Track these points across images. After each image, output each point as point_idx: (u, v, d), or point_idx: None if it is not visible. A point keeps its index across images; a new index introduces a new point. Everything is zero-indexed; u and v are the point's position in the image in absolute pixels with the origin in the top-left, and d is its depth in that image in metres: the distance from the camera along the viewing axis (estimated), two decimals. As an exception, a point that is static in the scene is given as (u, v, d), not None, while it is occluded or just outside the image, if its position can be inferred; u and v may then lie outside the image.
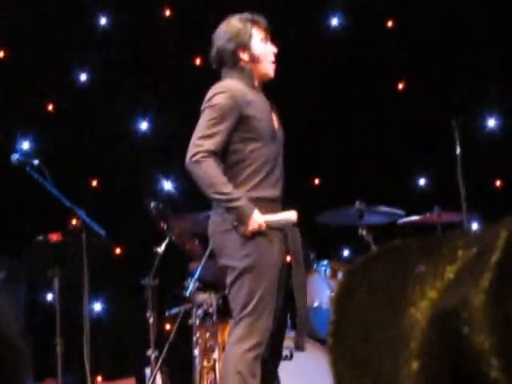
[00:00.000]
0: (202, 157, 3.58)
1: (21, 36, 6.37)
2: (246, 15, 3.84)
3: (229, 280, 3.69)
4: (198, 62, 6.55)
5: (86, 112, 6.49)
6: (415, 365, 1.70)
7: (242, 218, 3.57)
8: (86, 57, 6.51)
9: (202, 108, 3.72)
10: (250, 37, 3.78)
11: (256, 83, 3.81)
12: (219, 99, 3.67)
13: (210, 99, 3.70)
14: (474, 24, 6.43)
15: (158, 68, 6.59)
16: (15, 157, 4.40)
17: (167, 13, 6.66)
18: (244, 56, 3.78)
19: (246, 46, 3.77)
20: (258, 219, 3.57)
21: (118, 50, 6.57)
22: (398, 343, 1.74)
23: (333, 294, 4.39)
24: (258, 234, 3.61)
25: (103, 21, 6.55)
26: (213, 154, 3.60)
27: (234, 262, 3.63)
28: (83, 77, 6.50)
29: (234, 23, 3.81)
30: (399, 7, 6.60)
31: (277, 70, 3.87)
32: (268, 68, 3.83)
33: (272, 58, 3.84)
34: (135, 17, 6.60)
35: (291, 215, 3.64)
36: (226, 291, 3.77)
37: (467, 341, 1.55)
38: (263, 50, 3.81)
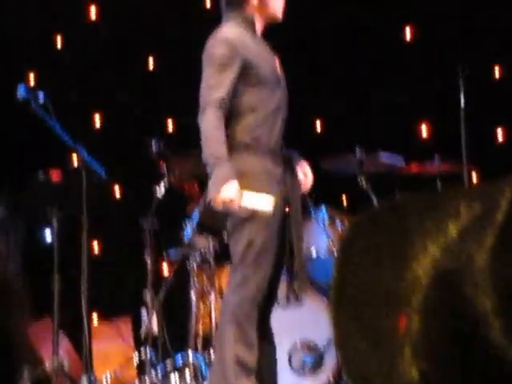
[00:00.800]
0: (208, 110, 3.58)
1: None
2: None
3: (229, 228, 3.68)
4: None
5: (92, 49, 6.42)
6: (415, 321, 1.69)
7: (217, 183, 3.53)
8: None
9: (203, 58, 3.69)
10: None
11: (258, 28, 3.78)
12: (219, 49, 3.64)
13: (210, 49, 3.68)
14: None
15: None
16: (21, 90, 4.31)
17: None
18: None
19: None
20: (232, 193, 3.51)
21: None
22: (399, 299, 1.72)
23: (335, 246, 4.38)
24: (259, 183, 3.60)
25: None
26: (220, 103, 3.59)
27: (235, 210, 3.60)
28: (92, 12, 6.41)
29: None
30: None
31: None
32: (277, 11, 3.80)
33: (282, 2, 3.81)
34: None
35: (267, 203, 3.56)
36: (226, 238, 3.76)
37: (469, 300, 1.53)
38: None
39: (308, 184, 3.89)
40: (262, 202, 3.56)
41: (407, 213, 1.86)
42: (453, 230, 1.77)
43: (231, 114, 3.66)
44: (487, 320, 1.54)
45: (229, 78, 3.61)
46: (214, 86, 3.60)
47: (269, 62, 3.76)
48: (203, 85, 3.65)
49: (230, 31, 3.71)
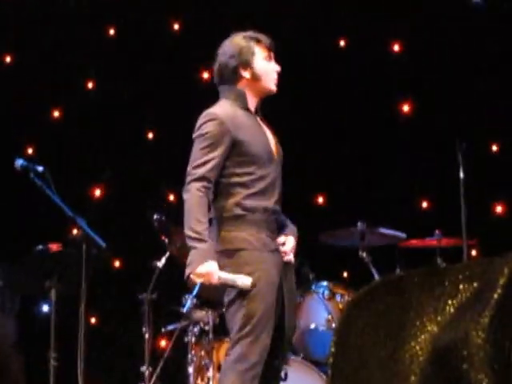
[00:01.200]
0: (192, 186, 3.59)
1: (27, 40, 6.34)
2: (250, 33, 3.83)
3: (227, 299, 3.64)
4: (205, 76, 6.53)
5: (91, 120, 6.46)
6: None
7: (195, 261, 3.51)
8: (93, 65, 6.48)
9: (194, 136, 3.71)
10: (253, 54, 3.76)
11: (252, 104, 3.79)
12: (209, 127, 3.65)
13: (199, 127, 3.69)
14: (478, 49, 6.41)
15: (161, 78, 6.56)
16: (19, 162, 4.32)
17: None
18: (245, 73, 3.76)
19: (248, 64, 3.75)
20: (210, 269, 3.50)
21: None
22: (397, 377, 1.70)
23: (334, 320, 4.35)
24: (257, 255, 3.59)
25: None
26: (204, 180, 3.59)
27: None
28: (90, 85, 6.47)
29: (237, 41, 3.80)
30: (405, 30, 6.57)
31: (280, 87, 3.84)
32: (270, 85, 3.81)
33: (275, 76, 3.82)
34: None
35: (246, 281, 3.53)
36: (224, 310, 3.72)
37: (466, 378, 1.51)
38: (265, 69, 3.79)
39: (283, 253, 3.73)
40: (241, 280, 3.53)
41: (406, 290, 1.85)
42: (451, 308, 1.75)
43: (221, 189, 3.66)
44: None
45: (217, 155, 3.62)
46: (201, 164, 3.61)
47: (261, 139, 3.74)
48: (191, 161, 3.66)
49: (220, 109, 3.72)
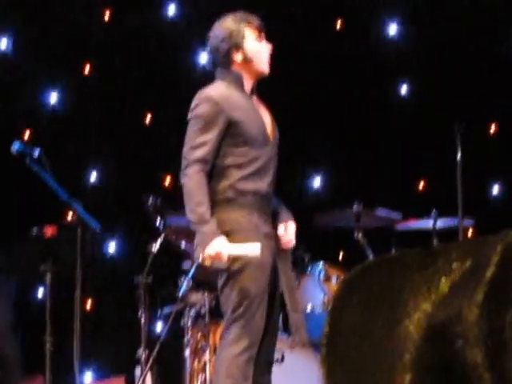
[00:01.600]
0: (190, 169, 3.58)
1: (24, 23, 6.30)
2: (240, 15, 3.80)
3: (220, 282, 3.64)
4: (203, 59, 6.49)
5: (86, 105, 6.42)
6: (408, 377, 1.64)
7: (202, 244, 3.53)
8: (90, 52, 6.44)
9: (188, 118, 3.70)
10: (244, 37, 3.75)
11: (247, 86, 3.77)
12: (203, 108, 3.64)
13: (194, 108, 3.68)
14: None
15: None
16: (15, 146, 4.29)
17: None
18: (237, 56, 3.75)
19: (239, 46, 3.74)
20: (219, 248, 3.50)
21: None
22: (392, 355, 1.68)
23: (328, 304, 4.36)
24: (248, 236, 3.57)
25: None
26: (202, 162, 3.59)
27: (225, 265, 3.57)
28: (87, 70, 6.43)
29: (227, 23, 3.79)
30: (402, 11, 6.54)
31: (274, 70, 3.81)
32: (263, 66, 3.79)
33: (267, 57, 3.81)
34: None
35: (255, 249, 3.51)
36: (218, 293, 3.71)
37: (460, 354, 1.49)
38: (257, 50, 3.77)
39: (286, 242, 3.76)
40: (250, 249, 3.52)
41: (399, 269, 1.83)
42: (444, 286, 1.74)
43: (215, 171, 3.65)
44: (478, 373, 1.51)
45: (212, 136, 3.61)
46: (197, 145, 3.60)
47: (256, 121, 3.73)
48: (186, 142, 3.65)
49: (214, 90, 3.71)
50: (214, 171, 3.65)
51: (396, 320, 1.77)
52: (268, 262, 3.62)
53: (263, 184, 3.68)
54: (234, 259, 3.55)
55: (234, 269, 3.56)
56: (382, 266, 1.85)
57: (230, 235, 3.57)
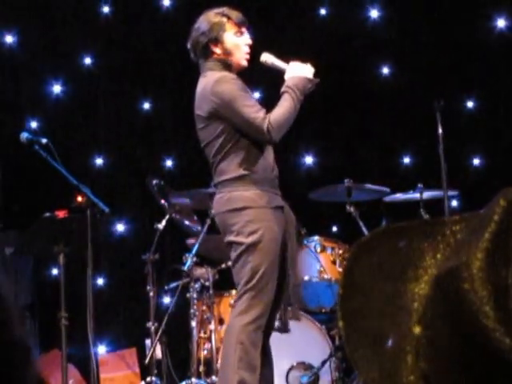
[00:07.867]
0: (265, 125, 3.56)
1: (28, 17, 6.24)
2: (223, 10, 3.76)
3: (234, 255, 3.62)
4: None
5: (90, 93, 6.37)
6: (417, 329, 1.63)
7: (305, 87, 3.72)
8: (92, 42, 6.38)
9: (227, 100, 3.59)
10: (223, 31, 3.71)
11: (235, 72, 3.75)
12: (229, 83, 3.62)
13: (219, 89, 3.61)
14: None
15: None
16: (24, 135, 4.27)
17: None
18: (216, 49, 3.72)
19: (218, 40, 3.71)
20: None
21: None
22: (403, 312, 1.67)
23: (326, 272, 4.37)
24: (261, 212, 3.58)
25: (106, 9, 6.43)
26: (266, 119, 3.58)
27: (241, 238, 3.57)
28: (88, 61, 6.37)
29: (208, 17, 3.76)
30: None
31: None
32: (240, 59, 3.75)
33: (246, 50, 3.77)
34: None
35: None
36: (231, 265, 3.69)
37: (468, 298, 1.48)
38: (235, 44, 3.73)
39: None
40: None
41: (408, 236, 1.83)
42: (453, 243, 1.74)
43: (227, 152, 3.63)
44: (484, 310, 1.51)
45: (253, 97, 3.67)
46: (256, 111, 3.59)
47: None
48: (246, 115, 3.58)
49: (222, 72, 3.68)
50: (225, 152, 3.63)
51: (405, 282, 1.77)
52: (278, 235, 3.62)
53: (270, 160, 3.69)
54: (251, 232, 3.54)
55: (250, 242, 3.55)
56: (392, 233, 1.85)
57: (245, 211, 3.57)
